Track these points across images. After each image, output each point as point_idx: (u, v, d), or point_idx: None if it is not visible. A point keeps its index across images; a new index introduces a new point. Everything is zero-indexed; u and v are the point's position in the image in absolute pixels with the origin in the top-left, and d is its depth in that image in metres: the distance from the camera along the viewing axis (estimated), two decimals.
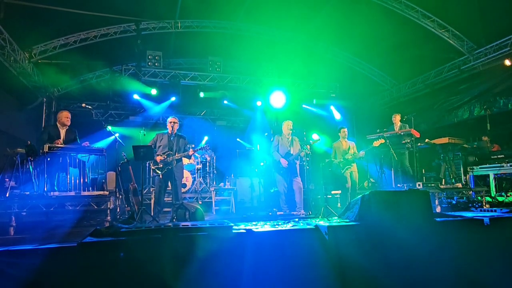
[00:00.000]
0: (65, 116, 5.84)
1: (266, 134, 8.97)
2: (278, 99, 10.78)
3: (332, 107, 12.09)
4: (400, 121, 7.59)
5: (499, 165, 7.10)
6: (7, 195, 4.89)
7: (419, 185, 6.49)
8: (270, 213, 6.55)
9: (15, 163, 5.60)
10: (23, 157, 5.61)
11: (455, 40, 9.10)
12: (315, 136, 8.10)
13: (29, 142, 5.49)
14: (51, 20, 8.22)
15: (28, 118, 10.19)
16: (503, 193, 7.02)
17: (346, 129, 7.46)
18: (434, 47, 9.41)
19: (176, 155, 5.62)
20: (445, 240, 3.15)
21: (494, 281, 3.06)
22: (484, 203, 6.66)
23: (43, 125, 10.15)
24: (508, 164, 6.92)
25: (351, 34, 9.18)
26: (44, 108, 10.48)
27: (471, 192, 7.18)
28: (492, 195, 7.05)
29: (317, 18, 9.28)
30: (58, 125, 5.82)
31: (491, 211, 4.63)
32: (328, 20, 9.08)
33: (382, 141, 6.77)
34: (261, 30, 10.17)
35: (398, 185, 7.04)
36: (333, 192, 8.04)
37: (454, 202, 7.22)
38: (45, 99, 10.46)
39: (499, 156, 7.21)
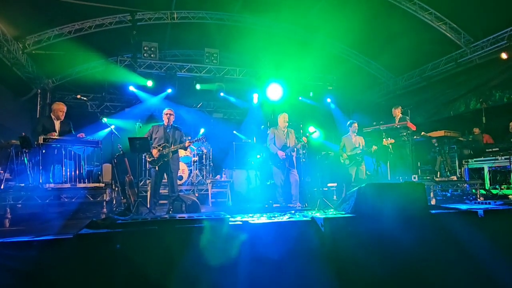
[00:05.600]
0: (60, 110, 5.78)
1: (262, 126, 8.96)
2: (275, 92, 10.75)
3: (328, 100, 12.08)
4: (400, 113, 7.60)
5: (493, 158, 7.15)
6: (1, 187, 4.87)
7: (414, 177, 6.53)
8: (266, 205, 6.57)
9: (9, 155, 5.56)
10: (18, 148, 5.56)
11: (452, 33, 9.09)
12: (311, 129, 8.09)
13: (23, 134, 5.44)
14: (45, 10, 8.10)
15: (22, 109, 10.11)
16: (497, 186, 7.09)
17: (357, 124, 7.38)
18: (431, 40, 9.40)
19: (172, 147, 5.59)
20: (440, 232, 3.18)
21: (487, 272, 3.10)
22: (478, 196, 6.72)
23: (37, 117, 10.06)
24: (503, 157, 6.98)
25: (348, 26, 9.13)
26: (39, 99, 10.39)
27: (465, 185, 7.24)
28: (487, 187, 7.12)
29: (314, 10, 9.22)
30: (53, 116, 5.77)
31: (485, 203, 4.68)
32: (325, 12, 9.02)
33: (392, 141, 6.78)
34: (258, 22, 10.08)
35: (399, 177, 7.06)
36: (329, 184, 8.08)
37: (449, 194, 7.29)
38: (39, 90, 10.36)
39: (493, 149, 7.26)
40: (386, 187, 3.57)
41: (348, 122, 7.49)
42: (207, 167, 9.52)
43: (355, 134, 7.34)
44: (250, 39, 9.79)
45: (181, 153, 8.05)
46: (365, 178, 7.13)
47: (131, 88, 10.70)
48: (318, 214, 3.32)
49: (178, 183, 6.77)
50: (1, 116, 8.73)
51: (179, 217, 2.89)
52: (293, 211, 4.26)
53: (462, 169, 7.70)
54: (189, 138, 5.98)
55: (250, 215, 3.68)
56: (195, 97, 12.43)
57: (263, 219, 3.23)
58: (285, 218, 3.32)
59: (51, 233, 2.81)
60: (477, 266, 3.10)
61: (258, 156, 8.57)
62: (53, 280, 2.38)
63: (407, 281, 2.95)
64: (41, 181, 4.91)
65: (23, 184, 4.93)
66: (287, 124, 6.75)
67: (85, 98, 6.30)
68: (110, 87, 11.19)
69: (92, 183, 5.50)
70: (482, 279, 3.11)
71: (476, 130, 8.53)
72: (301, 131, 7.11)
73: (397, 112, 7.57)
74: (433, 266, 3.05)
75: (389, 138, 6.84)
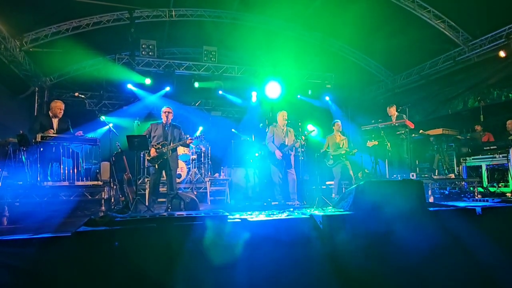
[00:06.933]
0: (58, 107, 5.76)
1: (261, 125, 8.95)
2: (273, 90, 10.75)
3: (327, 98, 12.07)
4: (396, 111, 7.60)
5: (491, 156, 7.17)
6: None
7: (412, 175, 6.55)
8: (265, 203, 6.58)
9: (7, 153, 5.54)
10: (16, 146, 5.55)
11: (451, 31, 9.09)
12: (310, 127, 8.11)
13: (21, 132, 5.42)
14: (42, 7, 8.05)
15: (20, 107, 10.07)
16: (495, 184, 7.11)
17: (339, 122, 7.56)
18: (430, 38, 9.41)
19: (171, 145, 5.59)
20: (438, 229, 3.19)
21: (485, 268, 3.11)
22: (476, 194, 6.75)
23: (35, 115, 10.01)
24: (501, 155, 7.00)
25: (347, 24, 9.12)
26: (36, 97, 10.34)
27: (463, 183, 7.27)
28: (484, 185, 7.13)
29: (312, 7, 9.20)
30: (50, 114, 5.75)
31: (483, 201, 4.70)
32: (323, 10, 9.00)
33: (376, 142, 6.94)
34: (256, 19, 10.06)
35: (394, 175, 7.09)
36: (327, 182, 8.09)
37: (447, 192, 7.31)
38: (37, 89, 10.31)
39: (491, 147, 7.28)
40: (384, 184, 3.58)
41: (332, 122, 7.69)
42: (206, 165, 9.52)
43: (340, 133, 7.47)
44: (248, 37, 9.77)
45: (180, 151, 8.04)
46: (353, 175, 7.25)
47: (129, 86, 10.66)
48: (316, 212, 3.33)
49: (177, 181, 6.76)
50: None
51: (177, 214, 2.90)
52: (291, 209, 4.28)
53: (460, 167, 7.72)
54: (187, 136, 5.98)
55: (249, 212, 3.69)
56: (194, 95, 12.39)
57: (262, 217, 3.23)
58: (283, 215, 3.32)
59: (50, 231, 2.80)
60: (475, 263, 3.11)
61: (257, 154, 8.58)
62: (52, 278, 2.37)
63: (406, 278, 2.96)
64: (39, 179, 4.90)
65: (21, 182, 4.92)
66: (286, 122, 6.76)
67: (83, 96, 6.26)
68: (108, 85, 11.16)
69: (90, 181, 5.50)
70: (480, 276, 3.12)
71: (478, 128, 8.51)
72: (300, 129, 7.13)
73: (393, 111, 7.57)
74: (431, 263, 3.06)
75: (373, 140, 6.96)
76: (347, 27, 9.17)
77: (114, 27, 9.27)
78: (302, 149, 7.00)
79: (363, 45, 10.95)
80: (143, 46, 9.91)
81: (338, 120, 7.67)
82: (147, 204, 5.68)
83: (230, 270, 2.64)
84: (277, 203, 6.41)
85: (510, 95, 8.93)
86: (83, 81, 10.43)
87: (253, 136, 9.49)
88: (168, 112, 5.76)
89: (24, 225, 4.22)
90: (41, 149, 5.01)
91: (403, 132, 7.06)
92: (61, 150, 5.17)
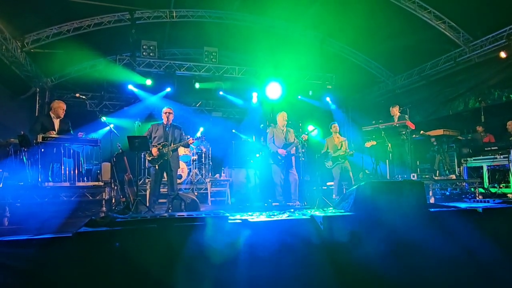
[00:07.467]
0: (61, 108, 5.79)
1: (261, 125, 8.95)
2: (274, 90, 10.74)
3: (328, 99, 12.07)
4: (398, 111, 7.61)
5: (492, 157, 7.15)
6: (0, 186, 4.85)
7: (413, 176, 6.54)
8: (265, 204, 6.57)
9: (8, 154, 5.55)
10: (17, 147, 5.56)
11: (451, 31, 9.09)
12: (310, 128, 8.11)
13: (22, 132, 5.43)
14: (43, 8, 8.07)
15: (21, 108, 10.08)
16: (496, 185, 7.09)
17: (337, 124, 7.59)
18: (430, 38, 9.40)
19: (172, 145, 5.59)
20: (439, 230, 3.18)
21: (486, 269, 3.11)
22: (477, 194, 6.73)
23: (36, 115, 10.03)
24: (502, 156, 6.98)
25: (348, 25, 9.13)
26: (38, 98, 10.36)
27: (464, 184, 7.26)
28: (485, 186, 7.12)
29: (312, 8, 9.19)
30: (52, 115, 5.76)
31: (484, 201, 4.69)
32: (324, 10, 8.99)
33: (374, 142, 6.97)
34: (257, 20, 10.06)
35: (398, 176, 7.10)
36: (328, 183, 8.09)
37: (447, 193, 7.30)
38: (38, 89, 10.33)
39: (492, 148, 7.27)
40: (385, 185, 3.58)
41: (330, 124, 7.73)
42: (207, 166, 9.52)
43: (338, 134, 7.48)
44: (249, 38, 9.77)
45: (180, 152, 8.05)
46: (352, 176, 7.26)
47: (130, 87, 10.67)
48: (317, 213, 3.33)
49: (177, 182, 6.77)
50: (0, 114, 8.71)
51: (178, 215, 2.90)
52: (292, 210, 4.28)
53: (461, 168, 7.71)
54: (188, 136, 5.98)
55: (250, 213, 3.69)
56: (194, 96, 12.40)
57: (263, 218, 3.23)
58: (284, 216, 3.33)
59: (50, 232, 2.81)
60: (476, 264, 3.11)
61: (258, 155, 8.58)
62: (52, 278, 2.37)
63: (406, 278, 2.96)
64: (40, 179, 4.90)
65: (22, 183, 4.92)
66: (286, 122, 6.76)
67: (84, 97, 6.28)
68: (109, 86, 11.16)
69: (91, 181, 5.49)
70: (482, 277, 3.12)
71: (479, 128, 8.49)
72: (300, 130, 7.13)
73: (395, 111, 7.58)
74: (432, 264, 3.06)
75: (371, 141, 7.01)
76: (348, 28, 9.18)
77: (115, 28, 9.28)
78: (303, 150, 7.01)
79: (364, 46, 10.95)
80: (144, 47, 9.92)
81: (335, 122, 7.71)
82: (147, 204, 5.68)
83: (231, 271, 2.64)
84: (277, 203, 6.41)
85: (511, 95, 8.92)
86: (84, 82, 10.44)
87: (253, 137, 9.48)
88: (169, 113, 5.77)
89: (25, 226, 4.22)
90: (42, 149, 5.01)
91: (404, 132, 7.06)
92: (62, 151, 5.17)
